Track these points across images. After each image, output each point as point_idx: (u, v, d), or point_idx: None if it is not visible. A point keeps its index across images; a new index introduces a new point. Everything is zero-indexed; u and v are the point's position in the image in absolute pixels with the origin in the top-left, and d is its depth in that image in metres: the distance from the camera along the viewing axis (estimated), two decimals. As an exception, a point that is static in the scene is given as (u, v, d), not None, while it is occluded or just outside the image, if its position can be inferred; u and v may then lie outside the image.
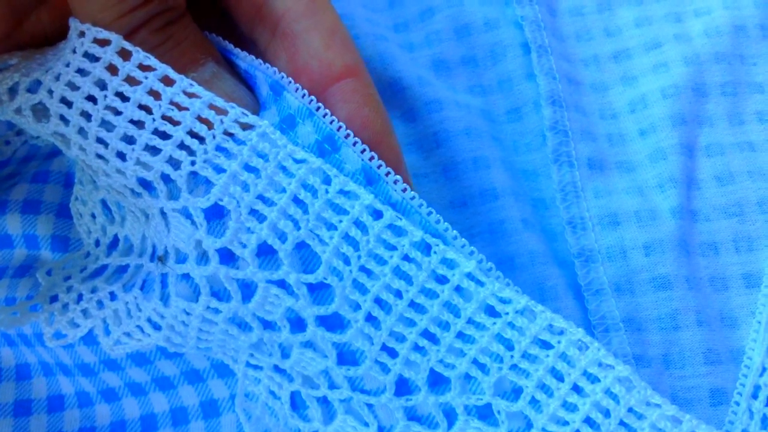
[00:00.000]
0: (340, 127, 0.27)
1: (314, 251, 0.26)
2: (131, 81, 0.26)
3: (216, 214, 0.26)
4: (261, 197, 0.26)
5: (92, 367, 0.35)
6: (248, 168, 0.26)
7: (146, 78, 0.26)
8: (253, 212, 0.26)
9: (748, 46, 0.40)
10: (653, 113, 0.38)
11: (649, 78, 0.39)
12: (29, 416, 0.35)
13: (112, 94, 0.26)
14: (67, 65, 0.27)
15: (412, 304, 0.26)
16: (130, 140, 0.26)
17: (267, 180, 0.26)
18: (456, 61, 0.40)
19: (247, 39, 0.29)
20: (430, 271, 0.26)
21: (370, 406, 0.27)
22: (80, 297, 0.30)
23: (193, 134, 0.26)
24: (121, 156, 0.26)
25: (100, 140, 0.26)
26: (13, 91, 0.28)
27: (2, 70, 0.28)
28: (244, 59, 0.28)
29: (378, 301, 0.26)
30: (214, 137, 0.26)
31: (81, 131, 0.26)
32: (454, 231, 0.26)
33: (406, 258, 0.26)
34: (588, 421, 0.25)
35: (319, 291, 0.26)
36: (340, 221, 0.26)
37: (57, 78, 0.27)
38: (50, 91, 0.27)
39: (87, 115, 0.26)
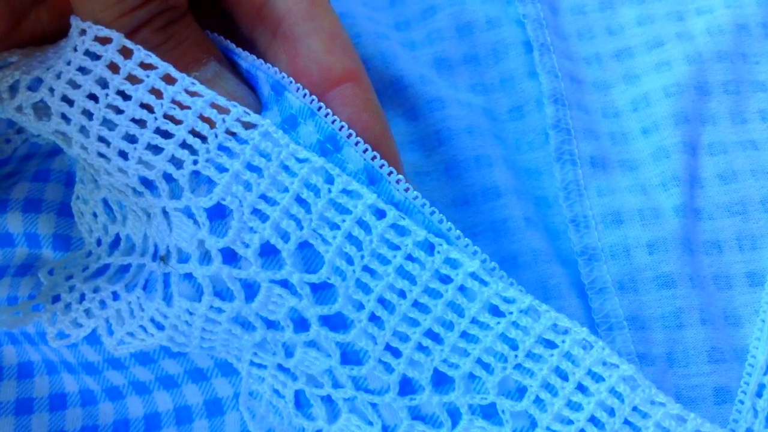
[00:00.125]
0: (342, 126, 0.27)
1: (317, 251, 0.26)
2: (133, 79, 0.26)
3: (218, 214, 0.26)
4: (263, 197, 0.26)
5: (96, 365, 0.35)
6: (251, 167, 0.26)
7: (148, 76, 0.26)
8: (255, 212, 0.26)
9: (750, 45, 0.40)
10: (656, 112, 0.38)
11: (652, 76, 0.39)
12: (31, 415, 0.35)
13: (114, 92, 0.26)
14: (68, 63, 0.26)
15: (416, 304, 0.26)
16: (131, 139, 0.26)
17: (270, 179, 0.25)
18: (458, 59, 0.40)
19: (247, 40, 0.29)
20: (433, 271, 0.26)
21: (374, 405, 0.27)
22: (83, 297, 0.30)
23: (195, 133, 0.26)
24: (123, 155, 0.26)
25: (101, 139, 0.26)
26: (13, 89, 0.28)
27: (2, 67, 0.28)
28: (246, 59, 0.28)
29: (381, 300, 0.26)
30: (216, 136, 0.26)
31: (82, 130, 0.26)
32: (457, 230, 0.26)
33: (409, 258, 0.26)
34: (593, 420, 0.25)
35: (322, 291, 0.26)
36: (343, 221, 0.25)
37: (58, 76, 0.27)
38: (51, 90, 0.27)
39: (88, 114, 0.26)
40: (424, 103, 0.38)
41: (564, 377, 0.25)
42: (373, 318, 0.26)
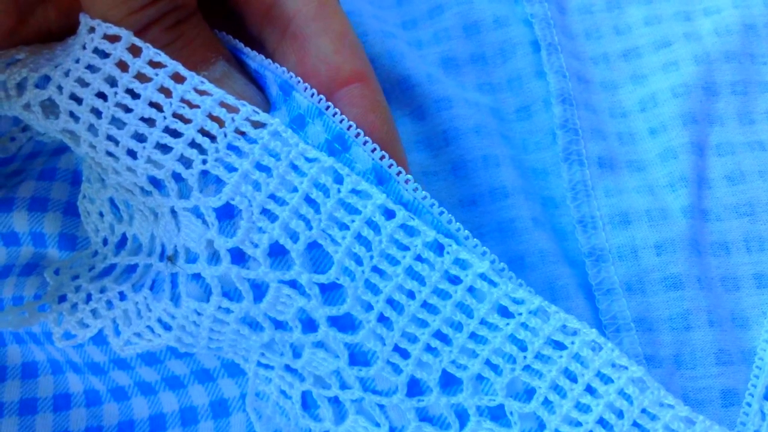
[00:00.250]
0: (350, 126, 0.27)
1: (326, 251, 0.25)
2: (142, 78, 0.26)
3: (227, 214, 0.26)
4: (273, 196, 0.25)
5: (102, 366, 0.35)
6: (260, 167, 0.25)
7: (157, 75, 0.26)
8: (264, 212, 0.25)
9: (758, 45, 0.40)
10: (663, 112, 0.38)
11: (659, 76, 0.39)
12: (35, 415, 0.35)
13: (123, 90, 0.26)
14: (77, 61, 0.26)
15: (425, 305, 0.26)
16: (141, 138, 0.26)
17: (279, 179, 0.25)
18: (465, 58, 0.40)
19: (256, 39, 0.29)
20: (443, 272, 0.25)
21: (381, 406, 0.26)
22: (89, 297, 0.30)
23: (204, 132, 0.26)
24: (132, 154, 0.26)
25: (110, 138, 0.26)
26: (21, 87, 0.27)
27: (10, 65, 0.28)
28: (254, 59, 0.28)
29: (390, 301, 0.26)
30: (225, 135, 0.26)
31: (91, 128, 0.26)
32: (466, 231, 0.26)
33: (418, 258, 0.25)
34: (601, 421, 0.25)
35: (331, 291, 0.26)
36: (353, 221, 0.25)
37: (66, 74, 0.26)
38: (60, 87, 0.26)
39: (97, 112, 0.26)
40: (432, 103, 0.38)
41: (573, 379, 0.25)
42: (382, 319, 0.26)
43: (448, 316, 0.25)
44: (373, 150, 0.26)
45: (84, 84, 0.26)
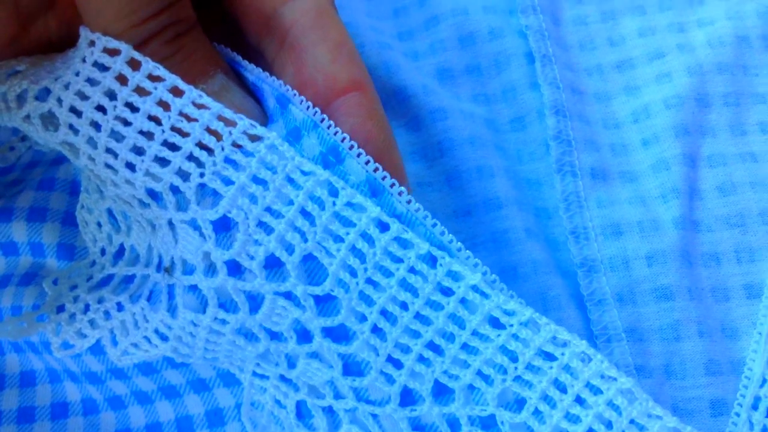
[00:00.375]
0: (344, 138, 0.27)
1: (321, 263, 0.26)
2: (141, 91, 0.26)
3: (224, 226, 0.26)
4: (269, 209, 0.26)
5: (99, 375, 0.35)
6: (256, 180, 0.26)
7: (156, 88, 0.26)
8: (261, 224, 0.26)
9: (750, 57, 0.40)
10: (656, 123, 0.38)
11: (652, 88, 0.39)
12: (32, 423, 0.35)
13: (122, 104, 0.26)
14: (77, 74, 0.27)
15: (418, 316, 0.26)
16: (139, 151, 0.26)
17: (275, 192, 0.26)
18: (460, 69, 0.40)
19: (255, 49, 0.29)
20: (435, 284, 0.26)
21: (374, 416, 0.27)
22: (87, 307, 0.30)
23: (202, 146, 0.26)
24: (131, 167, 0.26)
25: (109, 150, 0.26)
26: (21, 99, 0.28)
27: (10, 76, 0.28)
28: (252, 71, 0.28)
29: (384, 312, 0.26)
30: (222, 149, 0.26)
31: (90, 141, 0.27)
32: (459, 243, 0.26)
33: (412, 270, 0.26)
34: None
35: (325, 303, 0.26)
36: (347, 233, 0.26)
37: (66, 87, 0.27)
38: (59, 100, 0.27)
39: (96, 125, 0.26)
40: (427, 114, 0.38)
41: (563, 389, 0.25)
42: (376, 330, 0.26)
43: (441, 327, 0.26)
44: (367, 162, 0.27)
45: (84, 97, 0.26)
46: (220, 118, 0.26)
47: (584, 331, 0.34)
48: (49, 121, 0.27)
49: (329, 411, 0.28)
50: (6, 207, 0.35)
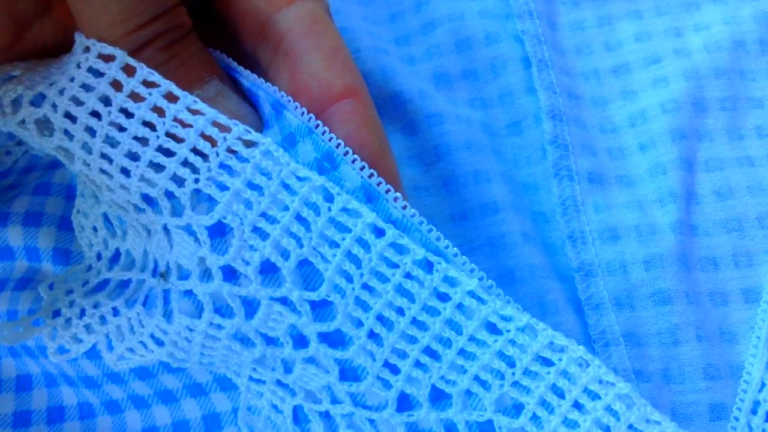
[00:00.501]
0: (339, 144, 0.27)
1: (317, 269, 0.26)
2: (135, 97, 0.26)
3: (219, 232, 0.26)
4: (264, 215, 0.26)
5: (95, 379, 0.35)
6: (251, 186, 0.26)
7: (150, 94, 0.26)
8: (256, 230, 0.26)
9: (747, 61, 0.40)
10: (653, 128, 0.38)
11: (649, 92, 0.40)
12: (29, 427, 0.35)
13: (117, 110, 0.26)
14: (72, 80, 0.27)
15: (415, 322, 0.26)
16: (134, 156, 0.26)
17: (270, 198, 0.26)
18: (457, 74, 0.40)
19: (250, 56, 0.29)
20: (432, 289, 0.26)
21: (371, 421, 0.27)
22: (83, 312, 0.30)
23: (196, 151, 0.26)
24: (126, 172, 0.26)
25: (104, 156, 0.26)
26: (16, 104, 0.28)
27: (5, 81, 0.28)
28: (247, 77, 0.28)
29: (380, 318, 0.26)
30: (217, 155, 0.26)
31: (85, 146, 0.27)
32: (455, 248, 0.26)
33: (408, 276, 0.26)
34: (589, 437, 0.25)
35: (321, 308, 0.26)
36: (343, 239, 0.26)
37: (61, 92, 0.27)
38: (54, 106, 0.27)
39: (91, 131, 0.26)
40: (423, 118, 0.38)
41: (560, 395, 0.25)
42: (372, 335, 0.26)
43: (438, 332, 0.26)
44: (362, 168, 0.27)
45: (78, 103, 0.26)
46: (215, 123, 0.26)
47: (582, 336, 0.34)
48: (44, 126, 0.27)
49: (326, 416, 0.27)
50: (2, 212, 0.35)
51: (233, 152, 0.26)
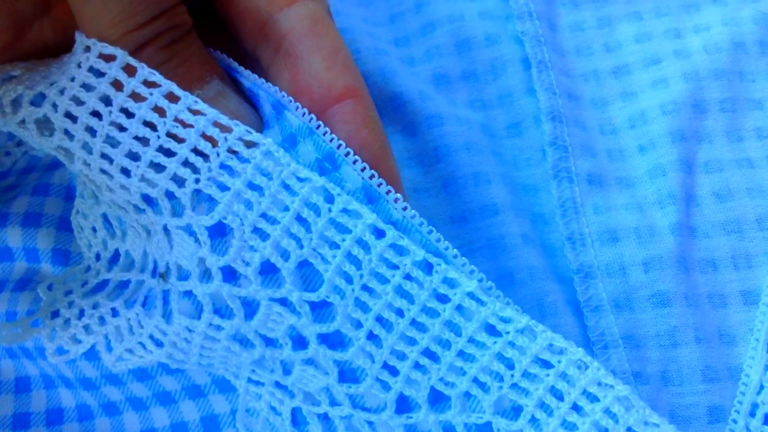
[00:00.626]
0: (340, 145, 0.27)
1: (317, 270, 0.26)
2: (136, 97, 0.26)
3: (219, 232, 0.26)
4: (264, 215, 0.26)
5: (94, 381, 0.35)
6: (252, 186, 0.26)
7: (151, 94, 0.26)
8: (256, 230, 0.26)
9: (747, 63, 0.40)
10: (653, 129, 0.38)
11: (649, 94, 0.40)
12: (28, 429, 0.35)
13: (117, 110, 0.26)
14: (72, 80, 0.27)
15: (414, 323, 0.26)
16: (134, 157, 0.26)
17: (270, 198, 0.26)
18: (457, 75, 0.40)
19: (251, 56, 0.29)
20: (431, 290, 0.26)
21: (370, 423, 0.27)
22: (82, 312, 0.30)
23: (197, 151, 0.26)
24: (126, 172, 0.26)
25: (104, 156, 0.26)
26: (16, 103, 0.28)
27: (5, 81, 0.28)
28: (248, 77, 0.28)
29: (380, 319, 0.26)
30: (218, 155, 0.26)
31: (85, 146, 0.27)
32: (455, 249, 0.26)
33: (407, 277, 0.26)
34: (587, 439, 0.25)
35: (321, 309, 0.26)
36: (343, 240, 0.26)
37: (61, 92, 0.27)
38: (55, 106, 0.27)
39: (92, 131, 0.26)
40: (423, 120, 0.38)
41: (559, 397, 0.25)
42: (371, 336, 0.26)
43: (437, 334, 0.26)
44: (363, 169, 0.27)
45: (79, 102, 0.26)
46: (216, 124, 0.26)
47: (581, 338, 0.34)
48: (45, 126, 0.27)
49: (325, 418, 0.27)
50: (1, 212, 0.35)
51: (234, 152, 0.26)
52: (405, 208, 0.27)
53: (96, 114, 0.26)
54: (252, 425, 0.30)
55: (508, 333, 0.26)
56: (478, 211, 0.36)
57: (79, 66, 0.27)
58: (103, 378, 0.35)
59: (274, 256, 0.26)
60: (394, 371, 0.26)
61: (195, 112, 0.26)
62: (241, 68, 0.29)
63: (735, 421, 0.33)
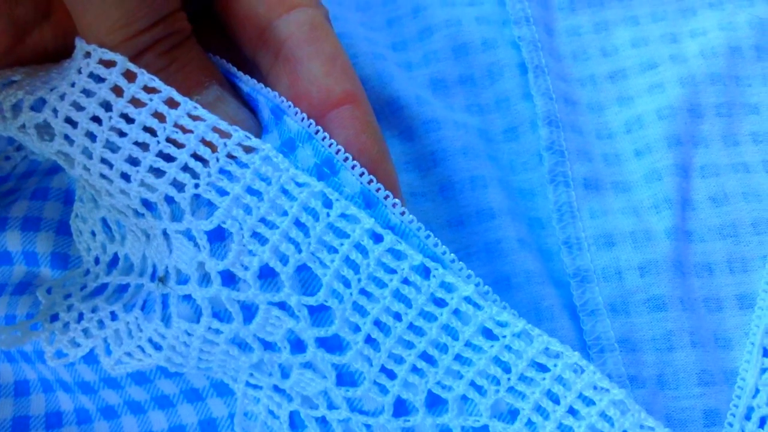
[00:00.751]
0: (338, 150, 0.27)
1: (315, 274, 0.26)
2: (136, 103, 0.26)
3: (218, 237, 0.26)
4: (263, 220, 0.26)
5: (92, 384, 0.35)
6: (251, 191, 0.26)
7: (151, 100, 0.26)
8: (255, 235, 0.26)
9: (743, 67, 0.40)
10: (649, 134, 0.38)
11: (645, 98, 0.40)
12: None
13: (117, 115, 0.26)
14: (72, 85, 0.27)
15: (411, 327, 0.26)
16: (134, 162, 0.26)
17: (269, 203, 0.26)
18: (454, 80, 0.40)
19: (250, 61, 0.30)
20: (429, 295, 0.26)
21: (368, 426, 0.27)
22: (81, 316, 0.30)
23: (196, 157, 0.26)
24: (126, 177, 0.26)
25: (104, 161, 0.26)
26: (17, 109, 0.28)
27: (6, 86, 0.28)
28: (247, 83, 0.29)
29: (377, 323, 0.26)
30: (217, 160, 0.26)
31: (85, 151, 0.27)
32: (452, 254, 0.27)
33: (405, 281, 0.26)
34: (583, 443, 0.25)
35: (319, 313, 0.26)
36: (341, 244, 0.26)
37: (62, 97, 0.27)
38: (55, 111, 0.27)
39: (92, 136, 0.26)
40: (420, 124, 0.38)
41: (556, 401, 0.25)
42: (369, 340, 0.26)
43: (434, 338, 0.26)
44: (361, 174, 0.27)
45: (79, 108, 0.27)
46: (215, 129, 0.26)
47: (577, 342, 0.34)
48: (45, 131, 0.28)
49: (322, 421, 0.28)
50: (0, 216, 0.35)
51: (233, 158, 0.26)
52: (403, 213, 0.27)
53: (96, 119, 0.26)
54: (250, 429, 0.30)
55: (504, 337, 0.26)
56: (474, 215, 0.36)
57: (80, 72, 0.27)
58: (102, 381, 0.35)
59: (272, 260, 0.26)
60: (391, 375, 0.26)
61: (194, 118, 0.26)
62: (240, 73, 0.29)
63: (731, 425, 0.33)
